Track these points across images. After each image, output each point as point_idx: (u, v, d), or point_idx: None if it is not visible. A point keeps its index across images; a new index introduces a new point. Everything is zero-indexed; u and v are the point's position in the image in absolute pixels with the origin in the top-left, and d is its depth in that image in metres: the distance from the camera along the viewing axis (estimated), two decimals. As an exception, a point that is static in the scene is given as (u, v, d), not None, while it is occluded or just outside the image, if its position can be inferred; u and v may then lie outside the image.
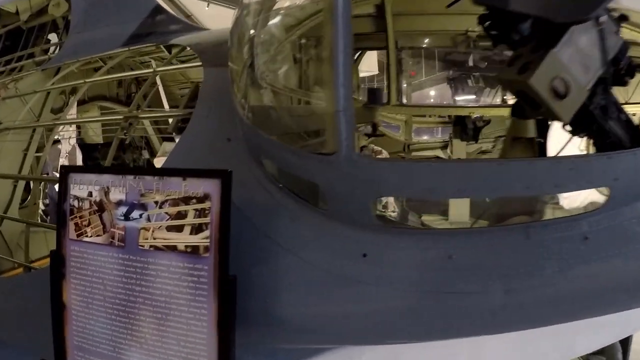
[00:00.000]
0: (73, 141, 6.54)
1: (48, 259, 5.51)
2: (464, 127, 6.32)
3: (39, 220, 6.10)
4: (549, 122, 3.75)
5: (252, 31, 2.69)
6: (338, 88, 1.91)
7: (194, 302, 2.21)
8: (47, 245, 5.47)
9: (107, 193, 2.49)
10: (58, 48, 6.21)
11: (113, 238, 2.44)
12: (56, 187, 6.90)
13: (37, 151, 5.66)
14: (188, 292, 2.22)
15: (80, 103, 6.62)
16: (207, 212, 2.17)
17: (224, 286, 2.14)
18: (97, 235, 2.50)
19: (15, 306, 3.64)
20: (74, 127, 6.35)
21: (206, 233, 2.17)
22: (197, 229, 2.20)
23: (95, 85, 6.48)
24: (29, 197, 5.97)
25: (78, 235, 2.58)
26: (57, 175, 6.57)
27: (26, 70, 5.95)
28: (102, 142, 7.17)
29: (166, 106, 6.54)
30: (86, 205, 2.57)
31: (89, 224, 2.55)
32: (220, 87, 2.91)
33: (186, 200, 2.23)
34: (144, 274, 2.33)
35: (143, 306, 2.34)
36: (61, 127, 6.14)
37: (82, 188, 2.60)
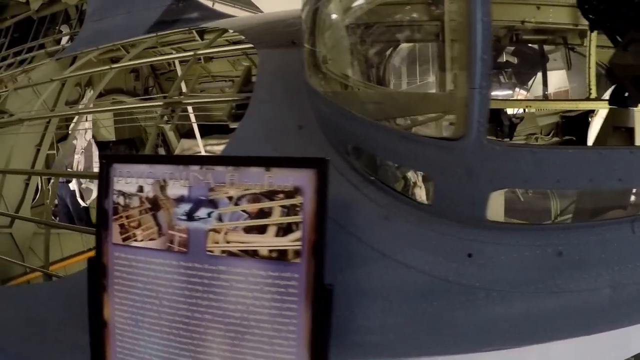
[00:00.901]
0: (89, 136, 6.13)
1: (61, 264, 5.11)
2: (500, 123, 6.02)
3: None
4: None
5: (336, 13, 2.37)
6: (475, 62, 1.63)
7: (280, 317, 1.83)
8: (61, 248, 5.08)
9: (163, 187, 2.11)
10: (71, 39, 5.86)
11: (172, 242, 2.06)
12: (70, 185, 6.50)
13: (50, 148, 5.26)
14: (272, 306, 1.84)
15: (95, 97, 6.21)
16: (297, 209, 1.80)
17: (320, 297, 1.76)
18: (150, 239, 2.11)
19: (29, 317, 3.26)
20: (89, 122, 5.93)
21: (297, 234, 1.79)
22: (285, 230, 1.82)
23: (111, 78, 6.07)
24: (36, 197, 5.56)
25: (124, 240, 2.19)
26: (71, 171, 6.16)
27: (37, 62, 5.57)
28: (114, 139, 6.76)
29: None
30: (135, 202, 2.18)
31: (139, 225, 2.16)
32: (283, 70, 2.59)
33: (270, 195, 1.85)
34: (213, 285, 1.94)
35: (212, 324, 1.95)
36: (79, 119, 5.71)
37: (130, 182, 2.20)
